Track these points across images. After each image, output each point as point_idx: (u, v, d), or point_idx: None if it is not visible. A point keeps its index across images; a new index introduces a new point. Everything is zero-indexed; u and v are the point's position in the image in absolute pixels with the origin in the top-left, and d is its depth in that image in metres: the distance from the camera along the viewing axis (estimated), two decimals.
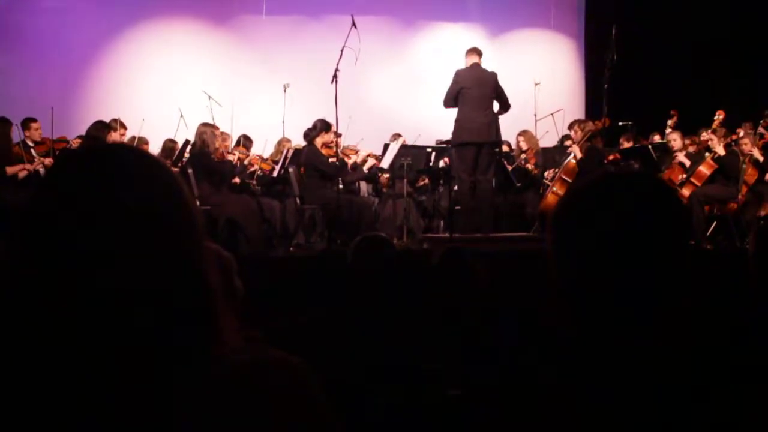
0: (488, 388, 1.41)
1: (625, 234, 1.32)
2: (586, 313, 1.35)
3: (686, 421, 1.25)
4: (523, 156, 10.32)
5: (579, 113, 12.37)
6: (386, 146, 9.62)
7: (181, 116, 10.09)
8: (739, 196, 8.73)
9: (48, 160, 8.43)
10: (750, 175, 8.75)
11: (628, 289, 1.32)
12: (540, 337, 1.41)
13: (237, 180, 9.14)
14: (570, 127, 10.10)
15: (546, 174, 9.77)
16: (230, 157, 9.06)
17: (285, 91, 9.97)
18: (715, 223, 9.23)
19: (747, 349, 1.40)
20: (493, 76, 8.63)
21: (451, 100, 8.59)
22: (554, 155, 10.01)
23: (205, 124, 8.75)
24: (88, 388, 1.00)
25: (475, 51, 8.78)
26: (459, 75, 8.61)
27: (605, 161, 9.26)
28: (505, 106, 8.67)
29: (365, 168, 9.89)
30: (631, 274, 1.32)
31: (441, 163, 9.94)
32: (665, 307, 1.32)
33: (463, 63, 8.78)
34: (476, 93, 8.48)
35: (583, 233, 1.36)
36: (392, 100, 12.36)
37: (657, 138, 10.24)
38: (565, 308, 1.37)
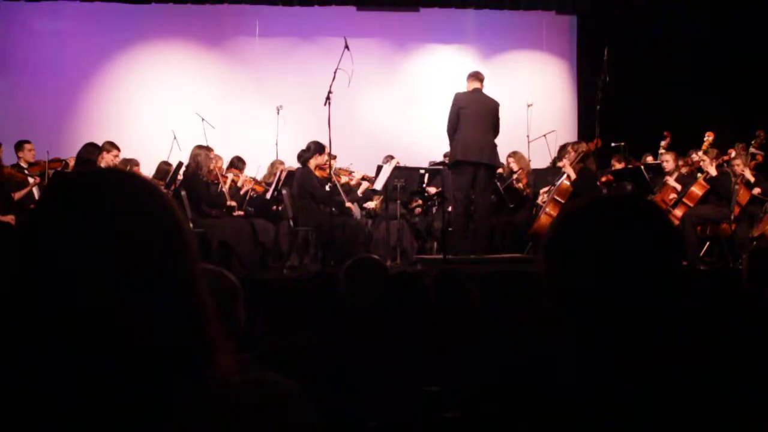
0: (486, 410, 1.40)
1: (616, 257, 1.33)
2: (578, 335, 1.35)
3: None
4: (514, 176, 10.35)
5: (571, 134, 12.40)
6: (379, 168, 9.64)
7: (175, 138, 10.10)
8: (732, 217, 8.75)
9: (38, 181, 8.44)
10: (742, 195, 8.77)
11: (620, 311, 1.32)
12: (536, 358, 1.41)
13: (215, 210, 9.10)
14: (560, 150, 10.13)
15: (541, 193, 9.79)
16: (222, 180, 9.06)
17: (278, 112, 9.98)
18: (708, 243, 9.25)
19: (741, 368, 1.40)
20: (495, 104, 8.60)
21: (451, 124, 8.53)
22: (547, 176, 10.03)
23: (199, 147, 8.78)
24: (80, 411, 0.99)
25: (476, 76, 8.70)
26: (457, 97, 8.56)
27: (598, 182, 9.27)
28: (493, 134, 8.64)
29: (359, 192, 9.92)
30: (623, 296, 1.32)
31: (432, 189, 9.96)
32: (659, 327, 1.32)
33: (458, 85, 8.78)
34: (474, 114, 8.43)
35: (574, 257, 1.36)
36: (385, 122, 12.38)
37: (649, 159, 10.27)
38: (558, 330, 1.37)
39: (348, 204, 9.64)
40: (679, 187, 9.11)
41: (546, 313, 1.38)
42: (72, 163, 8.90)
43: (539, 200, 9.79)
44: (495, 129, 8.58)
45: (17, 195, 8.44)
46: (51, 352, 0.99)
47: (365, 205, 10.16)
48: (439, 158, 10.20)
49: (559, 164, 9.81)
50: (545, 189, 9.73)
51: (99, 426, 0.99)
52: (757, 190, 8.78)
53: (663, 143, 9.72)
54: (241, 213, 9.43)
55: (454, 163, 8.57)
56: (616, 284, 1.32)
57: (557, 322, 1.38)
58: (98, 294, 1.00)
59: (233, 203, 9.25)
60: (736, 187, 8.75)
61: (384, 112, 12.51)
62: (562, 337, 1.37)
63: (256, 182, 9.85)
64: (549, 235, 1.44)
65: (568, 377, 1.32)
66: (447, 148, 8.90)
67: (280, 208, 9.40)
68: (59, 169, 8.82)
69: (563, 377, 1.33)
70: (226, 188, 9.11)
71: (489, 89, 8.80)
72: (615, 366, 1.30)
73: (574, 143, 10.03)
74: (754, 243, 8.14)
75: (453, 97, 8.59)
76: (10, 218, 8.01)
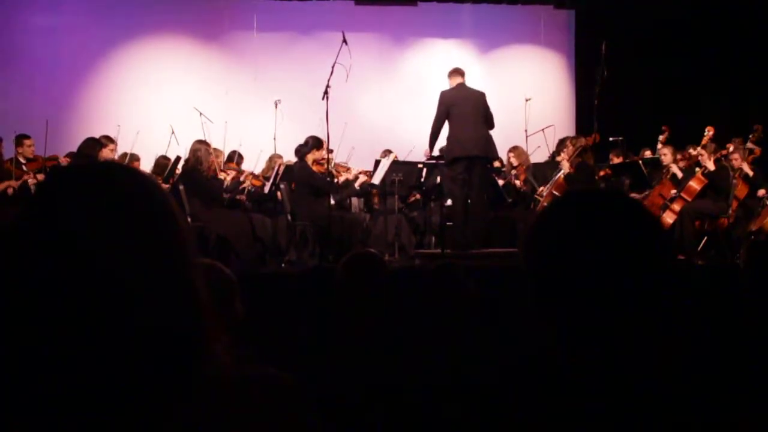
0: (483, 406, 1.40)
1: (590, 252, 1.32)
2: (558, 330, 1.35)
3: None
4: (513, 172, 10.34)
5: (569, 129, 12.41)
6: (377, 162, 9.63)
7: (173, 133, 10.10)
8: (730, 212, 8.75)
9: (38, 177, 8.43)
10: (740, 190, 8.77)
11: (595, 305, 1.31)
12: (530, 354, 1.41)
13: (227, 195, 9.12)
14: (559, 145, 10.13)
15: (539, 190, 9.79)
16: (222, 175, 9.06)
17: (276, 107, 9.98)
18: (705, 238, 9.25)
19: (739, 362, 1.40)
20: (482, 95, 8.61)
21: (439, 123, 8.56)
22: (545, 171, 10.03)
23: (199, 141, 8.77)
24: (74, 407, 0.98)
25: (457, 72, 8.74)
26: (444, 96, 8.59)
27: (596, 177, 9.27)
28: (488, 126, 8.63)
29: (356, 185, 9.91)
30: (596, 291, 1.31)
31: (438, 179, 9.94)
32: (639, 324, 1.31)
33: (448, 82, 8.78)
34: (464, 110, 8.44)
35: (546, 250, 1.36)
36: (383, 117, 12.39)
37: (648, 153, 10.28)
38: (540, 325, 1.37)
39: (343, 177, 9.63)
40: (680, 174, 9.09)
41: (531, 308, 1.38)
42: (68, 161, 8.88)
43: (537, 195, 9.80)
44: (488, 120, 8.58)
45: (8, 191, 8.43)
46: (45, 345, 0.99)
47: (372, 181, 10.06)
48: (437, 152, 10.20)
49: (558, 159, 9.82)
50: (542, 188, 9.74)
51: (96, 419, 0.99)
52: (761, 192, 8.78)
53: (661, 138, 9.71)
54: (242, 199, 9.44)
55: (450, 161, 8.57)
56: (591, 280, 1.31)
57: (538, 316, 1.38)
58: (91, 287, 1.00)
59: (226, 197, 9.27)
60: (734, 181, 8.75)
61: (382, 106, 12.52)
62: (547, 332, 1.37)
63: (255, 177, 9.85)
64: (527, 232, 1.44)
65: (557, 373, 1.32)
66: (443, 143, 8.86)
67: (279, 195, 9.39)
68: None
69: (553, 373, 1.33)
70: (227, 180, 9.11)
71: (487, 84, 8.79)
72: (600, 362, 1.30)
73: (572, 138, 10.03)
74: (752, 237, 8.14)
75: (439, 97, 8.60)
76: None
